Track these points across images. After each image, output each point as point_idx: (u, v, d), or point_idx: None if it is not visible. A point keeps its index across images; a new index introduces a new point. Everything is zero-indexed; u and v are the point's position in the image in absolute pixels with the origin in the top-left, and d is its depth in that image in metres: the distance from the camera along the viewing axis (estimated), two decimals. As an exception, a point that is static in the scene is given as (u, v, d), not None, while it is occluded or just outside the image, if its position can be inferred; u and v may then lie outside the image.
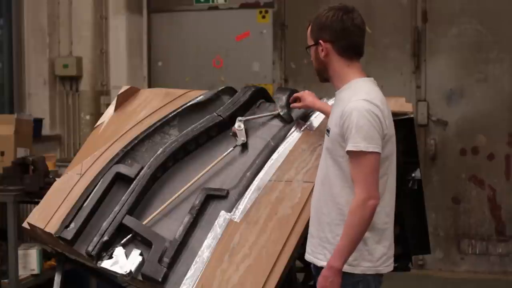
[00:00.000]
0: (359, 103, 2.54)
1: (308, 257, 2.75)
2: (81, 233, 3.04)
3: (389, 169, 2.64)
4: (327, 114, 3.09)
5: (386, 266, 2.67)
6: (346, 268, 2.58)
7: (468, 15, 6.03)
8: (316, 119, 3.22)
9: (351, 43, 2.68)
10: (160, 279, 2.78)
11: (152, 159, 3.20)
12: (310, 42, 2.74)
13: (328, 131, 2.69)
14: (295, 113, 3.28)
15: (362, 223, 2.52)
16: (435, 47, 6.12)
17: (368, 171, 2.52)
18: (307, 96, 3.17)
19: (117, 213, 3.02)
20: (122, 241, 2.96)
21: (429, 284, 5.82)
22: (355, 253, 2.57)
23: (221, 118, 3.33)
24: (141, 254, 2.90)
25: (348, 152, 2.55)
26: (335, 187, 2.63)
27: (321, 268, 2.65)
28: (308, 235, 2.77)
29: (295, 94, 3.23)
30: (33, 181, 4.45)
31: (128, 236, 2.97)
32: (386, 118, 2.59)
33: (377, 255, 2.63)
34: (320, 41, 2.68)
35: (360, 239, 2.54)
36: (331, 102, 3.27)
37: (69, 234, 3.03)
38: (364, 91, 2.60)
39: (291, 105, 3.24)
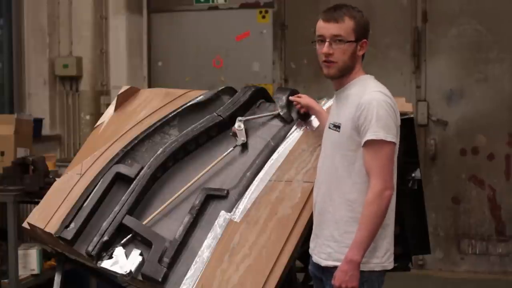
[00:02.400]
0: (377, 95, 2.59)
1: (314, 257, 2.75)
2: (81, 233, 3.04)
3: (396, 163, 2.65)
4: (319, 117, 3.10)
5: (390, 262, 2.69)
6: None
7: (468, 15, 6.03)
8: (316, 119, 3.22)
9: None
10: (160, 279, 2.78)
11: (152, 159, 3.20)
12: (350, 37, 2.69)
13: (337, 127, 2.68)
14: (295, 113, 3.28)
15: (380, 214, 2.53)
16: (435, 47, 6.12)
17: (385, 161, 2.54)
18: (305, 97, 3.21)
19: (117, 213, 3.02)
20: (122, 241, 2.96)
21: (429, 284, 5.82)
22: None
23: (221, 118, 3.33)
24: (141, 254, 2.90)
25: (366, 142, 2.56)
26: (345, 184, 2.63)
27: (325, 268, 2.65)
28: (312, 235, 2.78)
29: (292, 97, 3.24)
30: (33, 181, 4.45)
31: (128, 236, 2.96)
32: (397, 111, 2.64)
33: (383, 251, 2.65)
34: (365, 40, 2.73)
35: (377, 230, 2.55)
36: (330, 103, 3.27)
37: (69, 234, 3.03)
38: (375, 85, 2.67)
39: (302, 111, 3.23)
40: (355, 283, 2.55)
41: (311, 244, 2.79)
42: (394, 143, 2.57)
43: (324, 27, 2.70)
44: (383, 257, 2.64)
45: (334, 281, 2.58)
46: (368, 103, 2.57)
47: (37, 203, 3.66)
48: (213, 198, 3.01)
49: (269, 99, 3.48)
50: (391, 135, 2.56)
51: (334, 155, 2.68)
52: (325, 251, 2.67)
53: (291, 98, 3.24)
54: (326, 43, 2.69)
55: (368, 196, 2.54)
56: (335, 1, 2.84)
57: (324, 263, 2.68)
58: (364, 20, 2.74)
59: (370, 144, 2.55)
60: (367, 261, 2.60)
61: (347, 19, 2.69)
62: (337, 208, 2.65)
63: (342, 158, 2.65)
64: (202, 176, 3.11)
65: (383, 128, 2.54)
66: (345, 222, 2.62)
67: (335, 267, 2.61)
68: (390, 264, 2.69)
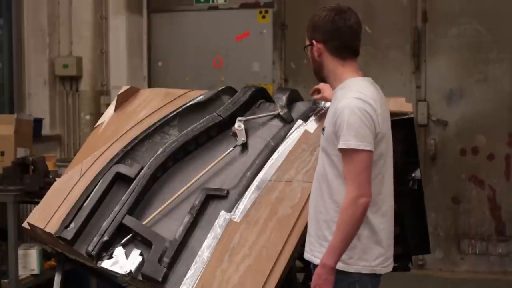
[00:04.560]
0: (351, 101, 2.55)
1: (307, 255, 2.75)
2: (81, 233, 3.04)
3: (384, 168, 2.64)
4: None
5: (384, 267, 2.67)
6: (341, 267, 2.58)
7: (468, 15, 6.03)
8: (316, 119, 3.22)
9: (343, 43, 2.68)
10: (160, 279, 2.78)
11: (152, 159, 3.20)
12: (307, 42, 2.76)
13: (323, 129, 2.70)
14: (295, 113, 3.28)
15: (354, 221, 2.52)
16: (435, 47, 6.12)
17: (359, 169, 2.52)
18: (326, 89, 3.15)
19: (117, 213, 3.02)
20: (122, 241, 2.96)
21: (429, 284, 5.82)
22: (350, 251, 2.58)
23: (221, 118, 3.33)
24: (141, 254, 2.90)
25: (340, 150, 2.56)
26: (332, 185, 2.63)
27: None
28: (307, 234, 2.78)
29: (315, 86, 3.24)
30: (33, 181, 4.45)
31: (128, 236, 2.97)
32: (379, 116, 2.58)
33: (374, 255, 2.63)
34: (313, 41, 2.71)
35: (353, 236, 2.54)
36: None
37: (69, 234, 3.03)
38: (357, 90, 2.60)
39: (314, 97, 3.25)
40: (329, 286, 2.55)
41: (306, 242, 2.79)
42: (369, 151, 2.53)
43: None
44: (374, 261, 2.63)
45: (311, 283, 2.59)
46: (342, 110, 2.55)
47: (37, 203, 3.67)
48: (213, 198, 3.01)
49: (269, 99, 3.48)
50: (365, 143, 2.52)
51: (322, 156, 2.70)
52: (319, 250, 2.67)
53: (315, 97, 3.26)
54: None
55: (343, 202, 2.54)
56: (334, 1, 2.83)
57: (317, 261, 2.68)
58: (314, 21, 2.70)
59: (344, 152, 2.54)
60: (353, 263, 2.61)
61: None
62: (327, 208, 2.65)
63: (328, 160, 2.65)
64: (202, 176, 3.11)
65: (355, 137, 2.51)
66: (333, 222, 2.61)
67: None
68: (384, 269, 2.67)
